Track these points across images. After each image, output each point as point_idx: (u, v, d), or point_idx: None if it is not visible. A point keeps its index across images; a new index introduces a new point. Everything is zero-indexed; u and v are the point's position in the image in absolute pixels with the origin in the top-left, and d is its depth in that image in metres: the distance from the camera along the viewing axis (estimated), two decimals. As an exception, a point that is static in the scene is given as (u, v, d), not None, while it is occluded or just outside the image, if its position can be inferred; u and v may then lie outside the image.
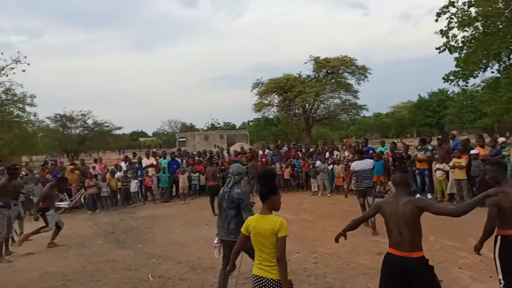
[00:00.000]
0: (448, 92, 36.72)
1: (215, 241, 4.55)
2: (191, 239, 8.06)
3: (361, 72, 36.89)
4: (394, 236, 3.26)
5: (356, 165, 8.04)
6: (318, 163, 13.22)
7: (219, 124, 74.63)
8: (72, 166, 13.97)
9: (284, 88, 36.27)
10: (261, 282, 3.05)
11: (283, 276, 2.95)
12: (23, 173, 12.98)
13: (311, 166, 13.31)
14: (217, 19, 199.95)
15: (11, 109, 22.15)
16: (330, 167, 13.11)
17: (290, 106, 38.07)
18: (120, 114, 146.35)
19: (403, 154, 12.03)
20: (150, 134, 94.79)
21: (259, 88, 38.47)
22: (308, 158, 13.82)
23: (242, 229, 3.21)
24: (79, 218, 11.46)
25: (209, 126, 72.45)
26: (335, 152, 13.89)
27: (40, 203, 8.13)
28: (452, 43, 16.42)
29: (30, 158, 41.89)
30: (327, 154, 13.73)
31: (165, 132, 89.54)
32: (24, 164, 23.36)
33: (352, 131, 70.18)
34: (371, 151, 12.72)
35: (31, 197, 11.88)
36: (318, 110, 39.15)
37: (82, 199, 12.81)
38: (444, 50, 16.58)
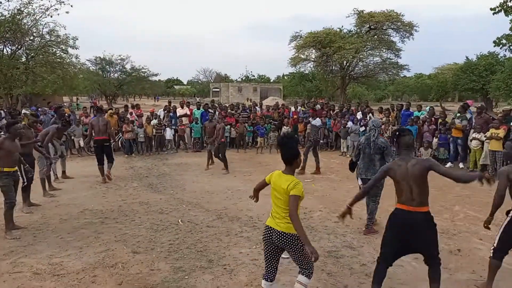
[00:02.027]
0: (499, 56, 34.29)
1: (359, 182, 5.87)
2: (219, 189, 8.44)
3: (407, 29, 34.86)
4: (405, 194, 3.49)
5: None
6: (350, 124, 13.09)
7: (253, 76, 74.02)
8: (111, 111, 14.52)
9: (323, 43, 35.03)
10: (269, 231, 3.35)
11: (299, 231, 3.11)
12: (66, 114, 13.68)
13: (342, 127, 13.21)
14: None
15: (54, 50, 22.82)
16: (362, 129, 12.95)
17: (327, 62, 36.95)
18: (157, 61, 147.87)
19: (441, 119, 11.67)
20: (185, 83, 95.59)
21: (297, 42, 37.38)
22: (341, 118, 13.68)
23: (266, 178, 3.48)
24: (116, 160, 12.00)
25: (243, 78, 72.02)
26: (368, 115, 13.64)
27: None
28: (510, 3, 15.10)
29: (71, 98, 43.73)
30: (360, 115, 13.53)
31: (199, 81, 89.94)
32: (66, 105, 24.53)
33: (390, 92, 67.78)
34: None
35: (72, 137, 12.62)
36: (356, 68, 37.85)
37: (119, 143, 13.46)
38: (499, 11, 15.32)
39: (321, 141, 10.52)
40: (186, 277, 4.31)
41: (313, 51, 37.61)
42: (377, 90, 56.85)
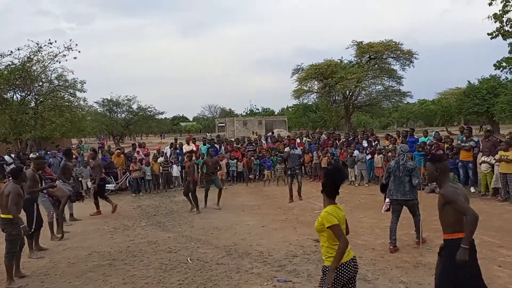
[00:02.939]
0: (501, 79, 34.47)
1: (387, 200, 6.37)
2: (227, 224, 8.33)
3: (407, 57, 35.39)
4: (464, 219, 3.30)
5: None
6: (356, 152, 13.05)
7: (257, 109, 74.85)
8: (118, 150, 14.67)
9: (325, 74, 35.58)
10: (355, 263, 3.27)
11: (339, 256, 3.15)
12: (74, 156, 13.83)
13: (349, 156, 13.17)
14: (261, 1, 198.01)
15: (63, 94, 23.43)
16: (368, 157, 12.91)
17: (330, 92, 37.35)
18: (163, 99, 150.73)
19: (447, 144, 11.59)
20: (191, 119, 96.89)
21: (299, 74, 38.01)
22: (347, 148, 13.67)
23: (334, 221, 3.15)
24: (124, 200, 12.11)
25: (248, 112, 72.87)
26: (374, 142, 13.62)
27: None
28: (507, 28, 15.38)
29: (80, 140, 44.37)
30: (365, 144, 13.51)
31: (205, 117, 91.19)
32: (74, 147, 24.84)
33: (394, 118, 67.93)
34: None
35: (80, 179, 12.68)
36: (359, 97, 38.15)
37: (127, 182, 13.49)
38: (496, 36, 15.59)
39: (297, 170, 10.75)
40: (197, 318, 4.18)
41: (316, 82, 38.12)
42: (381, 117, 56.97)
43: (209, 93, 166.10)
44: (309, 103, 47.99)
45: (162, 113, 47.33)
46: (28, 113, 20.03)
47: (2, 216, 5.54)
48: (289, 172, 10.73)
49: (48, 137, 23.60)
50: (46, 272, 5.87)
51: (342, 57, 39.50)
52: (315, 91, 39.38)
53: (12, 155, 14.72)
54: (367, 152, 13.04)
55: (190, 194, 9.94)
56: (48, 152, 15.28)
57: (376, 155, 12.69)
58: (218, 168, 10.72)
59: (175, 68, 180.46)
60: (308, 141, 15.67)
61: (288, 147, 12.34)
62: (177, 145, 14.97)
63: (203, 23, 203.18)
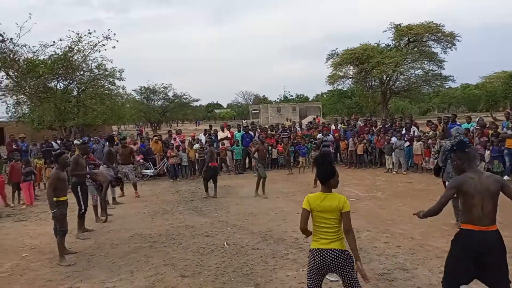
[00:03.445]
0: (554, 60, 32.12)
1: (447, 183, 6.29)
2: (262, 210, 8.42)
3: (448, 39, 33.66)
4: (475, 212, 3.23)
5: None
6: (393, 139, 12.71)
7: (291, 96, 74.31)
8: (156, 137, 15.09)
9: (361, 59, 34.57)
10: (322, 253, 3.18)
11: (354, 246, 3.14)
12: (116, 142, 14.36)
13: (386, 143, 12.84)
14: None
15: (103, 83, 24.24)
16: (407, 144, 12.53)
17: (366, 78, 36.30)
18: (198, 86, 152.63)
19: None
20: (225, 106, 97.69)
21: (334, 60, 37.18)
22: (384, 134, 13.33)
23: (304, 205, 3.32)
24: (162, 185, 12.50)
25: (282, 98, 72.47)
26: (412, 129, 13.19)
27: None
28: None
29: (119, 127, 46.00)
30: (403, 131, 13.11)
31: (239, 104, 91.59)
32: (114, 133, 25.79)
33: (435, 104, 65.28)
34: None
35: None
36: (397, 82, 36.83)
37: (164, 168, 13.89)
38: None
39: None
40: (234, 301, 4.29)
41: (351, 67, 37.14)
42: (421, 103, 54.90)
43: (243, 80, 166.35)
44: (344, 89, 46.96)
45: (197, 100, 48.25)
46: (71, 101, 20.89)
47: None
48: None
49: (91, 124, 24.59)
50: (92, 252, 6.20)
51: (379, 41, 38.26)
52: (350, 76, 38.42)
53: (58, 142, 15.48)
54: (405, 139, 12.67)
55: (210, 180, 10.18)
56: (91, 139, 15.95)
57: (415, 142, 12.31)
58: (268, 156, 10.90)
59: (209, 55, 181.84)
60: (343, 127, 15.41)
61: (321, 134, 12.40)
62: (212, 131, 15.17)
63: (235, 10, 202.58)
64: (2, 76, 19.36)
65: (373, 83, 37.73)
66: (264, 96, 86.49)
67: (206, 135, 14.89)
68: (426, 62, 35.74)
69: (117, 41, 20.63)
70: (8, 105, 21.72)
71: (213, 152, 10.47)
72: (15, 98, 21.80)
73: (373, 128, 14.51)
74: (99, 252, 6.20)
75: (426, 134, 12.67)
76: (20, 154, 11.89)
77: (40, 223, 8.16)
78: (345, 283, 3.25)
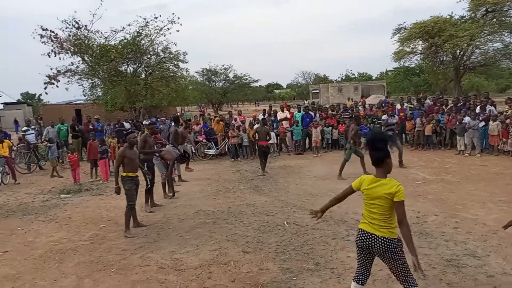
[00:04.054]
0: None
1: None
2: (323, 191, 8.36)
3: (535, 7, 30.07)
4: None
5: None
6: (467, 119, 11.81)
7: (353, 75, 71.75)
8: (218, 118, 15.50)
9: (431, 32, 32.15)
10: (368, 237, 3.10)
11: (409, 239, 2.93)
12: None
13: (458, 123, 11.98)
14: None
15: (168, 66, 25.26)
16: (482, 123, 11.58)
17: (437, 53, 33.77)
18: (257, 67, 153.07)
19: None
20: (285, 86, 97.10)
21: (401, 34, 35.03)
22: (456, 114, 12.43)
23: (354, 184, 3.24)
24: (223, 164, 12.89)
25: (343, 78, 70.26)
26: (488, 107, 12.14)
27: None
28: None
29: (182, 108, 47.89)
30: (478, 109, 12.12)
31: (298, 84, 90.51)
32: (179, 114, 26.88)
33: (515, 80, 59.19)
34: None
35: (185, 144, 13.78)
36: (472, 57, 33.83)
37: (226, 148, 14.28)
38: None
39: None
40: (294, 278, 4.37)
41: (420, 42, 34.74)
42: (499, 79, 50.08)
43: (302, 60, 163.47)
44: (411, 66, 44.23)
45: (256, 81, 48.46)
46: (140, 84, 22.09)
47: (121, 174, 6.42)
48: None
49: (157, 106, 25.91)
50: (161, 226, 6.64)
51: (452, 12, 35.24)
52: (419, 52, 36.00)
53: (129, 122, 16.54)
54: (480, 118, 11.71)
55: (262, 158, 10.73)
56: (158, 119, 16.83)
57: (491, 122, 11.35)
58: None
59: (268, 35, 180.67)
60: (410, 107, 14.62)
61: (386, 115, 11.89)
62: (271, 112, 15.21)
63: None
64: (79, 61, 20.98)
65: (444, 58, 35.04)
66: (324, 75, 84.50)
67: (266, 116, 14.97)
68: (506, 34, 32.26)
69: (181, 25, 21.33)
70: (84, 88, 23.61)
71: (260, 131, 10.84)
72: (90, 81, 23.56)
73: (444, 107, 13.59)
74: (167, 225, 6.62)
75: (505, 113, 11.60)
76: (95, 134, 12.93)
77: (115, 197, 8.81)
78: (393, 271, 3.11)
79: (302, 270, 4.56)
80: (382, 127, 12.05)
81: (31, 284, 4.61)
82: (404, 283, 3.07)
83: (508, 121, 11.06)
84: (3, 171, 11.02)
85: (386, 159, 3.09)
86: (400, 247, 3.05)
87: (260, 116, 15.15)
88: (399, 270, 3.05)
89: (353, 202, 7.32)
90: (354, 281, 3.33)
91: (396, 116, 12.19)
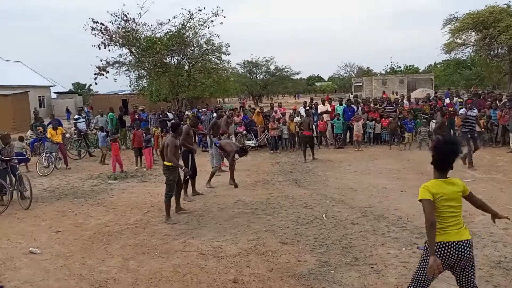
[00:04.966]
0: None
1: None
2: (363, 186, 8.21)
3: None
4: None
5: None
6: (522, 115, 11.08)
7: (399, 67, 69.16)
8: (258, 110, 15.58)
9: (486, 23, 30.28)
10: (462, 247, 2.89)
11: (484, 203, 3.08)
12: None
13: (511, 119, 11.26)
14: None
15: (210, 58, 25.64)
16: (539, 120, 10.82)
17: (492, 45, 31.77)
18: (299, 59, 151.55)
19: None
20: (326, 79, 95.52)
21: (452, 25, 33.29)
22: (509, 110, 11.69)
23: (425, 196, 2.90)
24: (263, 156, 12.97)
25: (388, 70, 67.94)
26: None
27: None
28: None
29: (223, 100, 48.51)
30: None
31: (340, 77, 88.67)
32: (219, 105, 27.26)
33: None
34: None
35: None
36: (530, 49, 31.57)
37: (265, 139, 14.34)
38: None
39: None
40: (332, 271, 4.35)
41: (473, 33, 32.85)
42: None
43: (346, 52, 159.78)
44: (462, 58, 41.98)
45: (297, 73, 48.24)
46: (183, 75, 22.61)
47: (164, 163, 6.60)
48: (468, 136, 9.54)
49: (199, 97, 26.42)
50: (201, 213, 6.82)
51: (510, 1, 32.83)
52: (471, 43, 34.06)
53: (172, 112, 17.02)
54: (538, 115, 10.94)
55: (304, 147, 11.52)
56: (200, 111, 17.17)
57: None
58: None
59: (310, 26, 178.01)
60: (459, 101, 13.93)
61: (464, 108, 10.68)
62: (313, 104, 15.05)
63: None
64: (126, 53, 21.79)
65: (499, 50, 32.92)
66: (368, 68, 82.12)
67: (306, 108, 14.84)
68: None
69: (224, 17, 21.47)
70: (131, 79, 24.52)
71: (304, 122, 11.84)
72: (137, 73, 24.42)
73: (497, 102, 12.83)
74: (207, 214, 6.80)
75: None
76: (140, 123, 13.43)
77: (159, 184, 9.20)
78: (466, 274, 2.96)
79: (340, 264, 4.54)
80: (462, 122, 10.55)
81: (80, 263, 4.92)
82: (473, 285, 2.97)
83: None
84: (56, 157, 11.74)
85: (453, 163, 3.01)
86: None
87: (301, 109, 15.07)
88: (473, 271, 2.96)
89: (394, 198, 7.16)
90: None
91: (475, 109, 10.62)
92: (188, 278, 4.36)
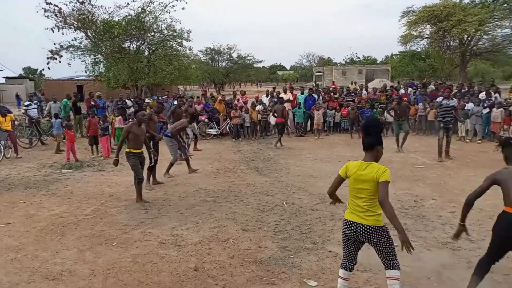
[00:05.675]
0: None
1: None
2: (322, 173, 8.41)
3: (547, -8, 29.49)
4: None
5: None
6: (469, 105, 11.76)
7: (358, 58, 70.96)
8: (220, 98, 15.45)
9: (440, 17, 31.71)
10: (354, 227, 3.11)
11: (393, 218, 2.88)
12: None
13: (460, 109, 11.92)
14: None
15: (171, 44, 24.99)
16: (486, 110, 11.54)
17: (445, 37, 33.36)
18: (261, 48, 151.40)
19: None
20: (288, 68, 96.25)
21: (409, 17, 34.55)
22: (459, 100, 12.36)
23: (341, 172, 3.25)
24: (225, 144, 12.93)
25: (348, 61, 69.53)
26: (493, 94, 12.06)
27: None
28: None
29: (185, 87, 47.65)
30: (482, 96, 12.04)
31: (302, 66, 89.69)
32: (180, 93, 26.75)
33: (522, 68, 58.51)
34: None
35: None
36: (480, 42, 33.43)
37: (227, 128, 14.29)
38: None
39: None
40: (292, 256, 4.45)
41: (428, 26, 34.32)
42: (505, 66, 49.56)
43: (307, 42, 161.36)
44: (417, 50, 43.76)
45: (260, 62, 48.17)
46: (143, 61, 21.93)
47: (125, 150, 6.62)
48: (441, 125, 9.35)
49: (159, 84, 25.78)
50: (162, 202, 6.72)
51: (462, -5, 34.43)
52: (426, 36, 35.58)
53: (131, 100, 16.49)
54: (485, 105, 11.66)
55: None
56: (160, 98, 16.76)
57: (495, 109, 11.31)
58: (408, 111, 11.41)
59: (273, 16, 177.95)
60: (412, 91, 14.53)
61: (441, 97, 10.16)
62: (275, 93, 15.14)
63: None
64: (82, 36, 20.77)
65: (451, 43, 34.67)
66: (329, 58, 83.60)
67: (269, 97, 14.92)
68: (516, 20, 31.78)
69: (186, 2, 20.94)
70: (87, 64, 23.46)
71: (278, 109, 12.19)
72: (93, 57, 23.39)
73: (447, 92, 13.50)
74: (168, 202, 6.70)
75: (509, 100, 11.54)
76: (97, 110, 12.91)
77: (116, 173, 8.94)
78: (379, 254, 3.15)
79: (300, 249, 4.65)
80: (437, 110, 10.71)
81: (33, 256, 4.71)
82: (386, 264, 3.13)
83: (511, 108, 11.01)
84: (6, 145, 11.07)
85: (377, 145, 3.12)
86: (387, 232, 3.09)
87: (264, 97, 15.12)
88: (384, 253, 3.10)
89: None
90: (342, 268, 3.35)
91: (454, 99, 10.27)
92: (148, 268, 4.30)
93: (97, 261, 4.52)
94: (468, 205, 3.42)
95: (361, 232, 3.08)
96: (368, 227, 3.04)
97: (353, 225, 3.12)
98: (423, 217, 5.56)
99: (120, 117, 11.90)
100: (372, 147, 3.13)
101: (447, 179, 7.70)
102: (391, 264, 3.10)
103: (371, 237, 3.06)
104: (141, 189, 6.62)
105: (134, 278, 4.10)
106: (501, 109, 11.18)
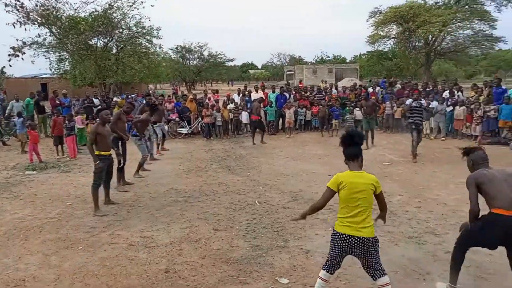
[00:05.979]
0: None
1: None
2: (294, 171, 8.49)
3: (506, -5, 30.90)
4: (507, 198, 3.25)
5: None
6: (434, 103, 12.18)
7: (328, 57, 71.97)
8: (191, 96, 15.28)
9: (405, 17, 32.64)
10: (349, 240, 3.06)
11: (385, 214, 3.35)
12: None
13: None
14: None
15: (141, 41, 24.45)
16: (449, 108, 12.00)
17: (410, 38, 34.38)
18: (233, 46, 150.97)
19: None
20: (259, 67, 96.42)
21: (376, 18, 35.38)
22: (424, 98, 12.78)
23: (331, 185, 3.14)
24: (196, 143, 12.81)
25: (318, 60, 70.44)
26: (456, 93, 12.56)
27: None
28: None
29: (155, 86, 46.79)
30: (446, 94, 12.52)
31: (273, 65, 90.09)
32: (150, 91, 26.27)
33: (482, 67, 61.34)
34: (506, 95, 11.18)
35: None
36: (443, 43, 34.66)
37: (199, 127, 14.16)
38: None
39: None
40: (264, 255, 4.47)
41: (394, 26, 35.26)
42: (467, 66, 51.76)
43: (278, 41, 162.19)
44: (384, 50, 44.87)
45: (231, 60, 47.90)
46: (111, 59, 21.32)
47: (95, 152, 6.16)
48: (413, 127, 9.37)
49: (128, 82, 25.19)
50: (131, 203, 6.57)
51: (426, -4, 35.57)
52: (392, 36, 36.55)
53: (99, 98, 16.02)
54: (449, 103, 12.12)
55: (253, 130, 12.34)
56: (129, 97, 16.40)
57: (457, 107, 11.78)
58: (377, 109, 11.86)
59: (244, 15, 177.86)
60: (380, 90, 14.91)
61: (410, 100, 10.46)
62: (246, 92, 15.13)
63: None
64: (46, 33, 19.93)
65: (416, 43, 35.79)
66: (299, 57, 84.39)
67: (240, 95, 14.89)
68: (476, 22, 33.23)
69: (156, -1, 20.52)
70: (51, 61, 22.56)
71: (254, 107, 12.53)
72: (58, 55, 22.52)
73: (413, 91, 13.94)
74: (138, 203, 6.56)
75: (470, 98, 12.05)
76: (63, 109, 12.47)
77: (83, 174, 8.67)
78: (367, 265, 3.16)
79: (272, 247, 4.67)
80: (407, 113, 10.98)
81: (-6, 262, 4.49)
82: (375, 275, 3.15)
83: (473, 106, 11.50)
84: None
85: (361, 154, 3.19)
86: (378, 242, 3.14)
87: (235, 96, 15.08)
88: (373, 263, 3.12)
89: (322, 182, 7.51)
90: (324, 270, 3.32)
91: (423, 100, 10.52)
92: (116, 271, 4.19)
93: (63, 265, 4.37)
94: (477, 217, 3.40)
95: (355, 245, 3.05)
96: (363, 239, 3.03)
97: (346, 238, 3.06)
98: (390, 213, 5.68)
99: (78, 116, 11.58)
100: (357, 157, 3.17)
101: (413, 175, 7.95)
102: (380, 273, 3.13)
103: (365, 249, 3.04)
104: (97, 196, 6.10)
105: (102, 282, 3.99)
106: (464, 107, 11.65)
